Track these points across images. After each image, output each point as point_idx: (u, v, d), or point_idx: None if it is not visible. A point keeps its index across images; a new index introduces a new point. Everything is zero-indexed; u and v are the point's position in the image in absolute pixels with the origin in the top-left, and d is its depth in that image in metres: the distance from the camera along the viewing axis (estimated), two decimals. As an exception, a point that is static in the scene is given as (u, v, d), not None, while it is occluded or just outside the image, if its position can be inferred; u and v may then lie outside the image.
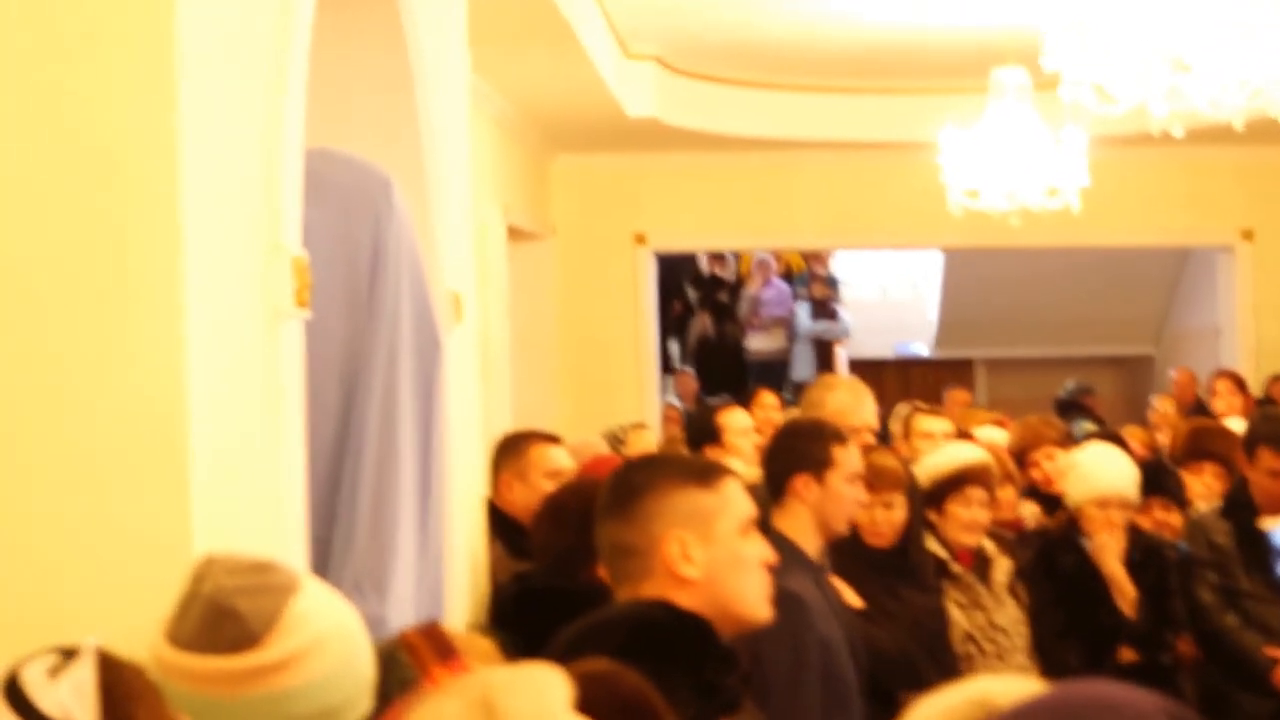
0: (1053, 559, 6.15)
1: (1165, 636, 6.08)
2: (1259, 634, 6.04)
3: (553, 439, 5.94)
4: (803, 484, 4.60)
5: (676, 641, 2.60)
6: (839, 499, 4.64)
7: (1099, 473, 6.18)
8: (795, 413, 10.61)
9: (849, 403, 5.86)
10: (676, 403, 14.19)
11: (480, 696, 1.82)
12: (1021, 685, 1.61)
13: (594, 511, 4.77)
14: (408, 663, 2.52)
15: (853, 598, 5.23)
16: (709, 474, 3.01)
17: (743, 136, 12.16)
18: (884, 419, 11.13)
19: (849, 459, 4.68)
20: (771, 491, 4.72)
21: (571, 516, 4.86)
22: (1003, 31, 9.28)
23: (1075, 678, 4.96)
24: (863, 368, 17.83)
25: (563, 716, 1.85)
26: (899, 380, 18.45)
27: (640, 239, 13.09)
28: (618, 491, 3.02)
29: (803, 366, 17.20)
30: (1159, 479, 6.55)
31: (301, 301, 3.32)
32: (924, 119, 11.25)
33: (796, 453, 4.67)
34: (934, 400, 13.84)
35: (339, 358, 3.86)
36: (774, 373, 17.10)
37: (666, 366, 16.05)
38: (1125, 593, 6.00)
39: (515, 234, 10.90)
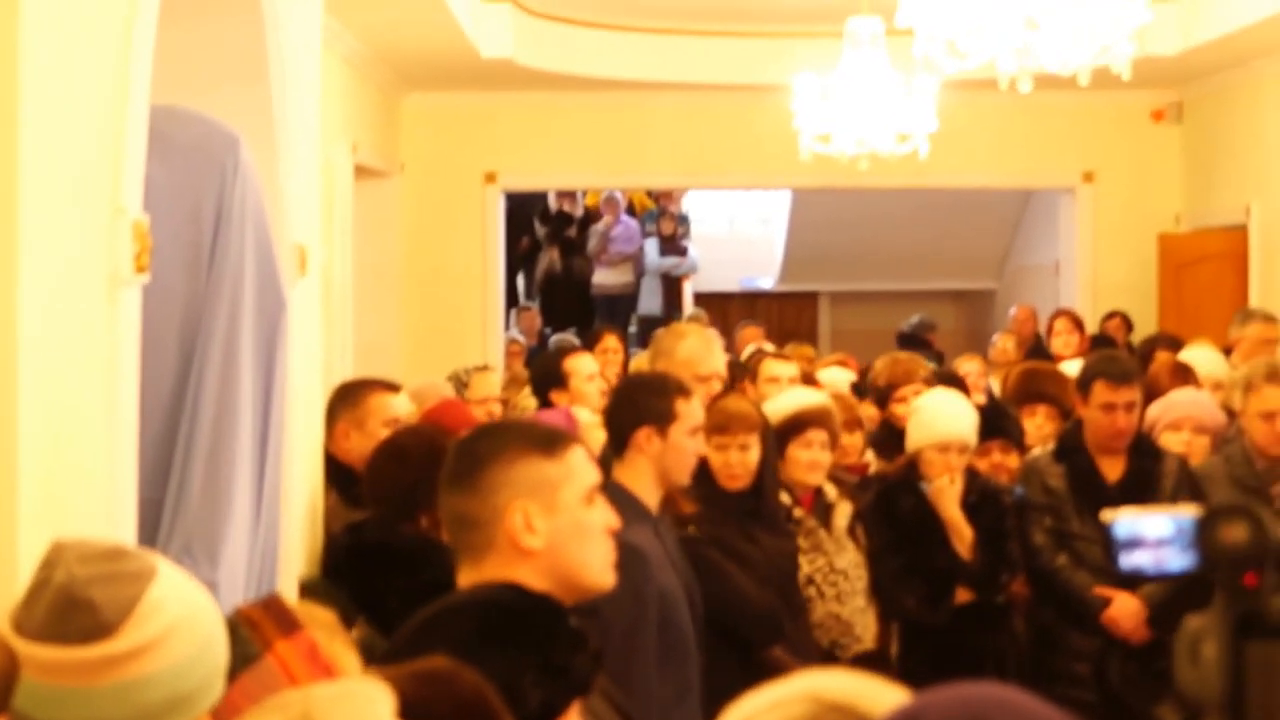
0: (892, 502, 6.25)
1: (1000, 578, 6.20)
2: (1089, 574, 6.17)
3: (391, 387, 5.88)
4: (645, 437, 4.62)
5: (525, 625, 2.57)
6: (681, 452, 4.66)
7: (939, 418, 6.27)
8: (640, 353, 10.71)
9: (699, 350, 5.85)
10: (520, 338, 14.19)
11: (301, 712, 1.81)
12: (849, 680, 1.63)
13: (434, 453, 4.82)
14: (249, 638, 2.49)
15: None
16: (553, 443, 2.98)
17: (597, 77, 12.13)
18: (732, 351, 11.26)
19: (692, 412, 4.70)
20: (614, 444, 4.75)
21: (411, 459, 4.88)
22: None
23: (913, 618, 5.08)
24: (709, 301, 17.96)
25: None
26: (745, 313, 18.58)
27: (490, 177, 13.03)
28: (461, 462, 2.97)
29: (649, 301, 17.24)
30: (997, 422, 6.65)
31: (141, 267, 3.28)
32: (776, 62, 11.32)
33: (640, 406, 4.68)
34: (780, 333, 14.05)
35: (179, 317, 3.82)
36: (620, 307, 17.15)
37: (513, 301, 16.03)
38: (962, 535, 6.11)
39: (363, 171, 10.80)
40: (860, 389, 8.08)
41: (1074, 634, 6.21)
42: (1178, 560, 1.98)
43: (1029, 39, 5.95)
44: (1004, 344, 11.79)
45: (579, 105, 13.02)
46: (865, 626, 6.08)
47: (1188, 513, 1.92)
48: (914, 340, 16.04)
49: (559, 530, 2.91)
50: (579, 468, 2.98)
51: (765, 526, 5.58)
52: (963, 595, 6.14)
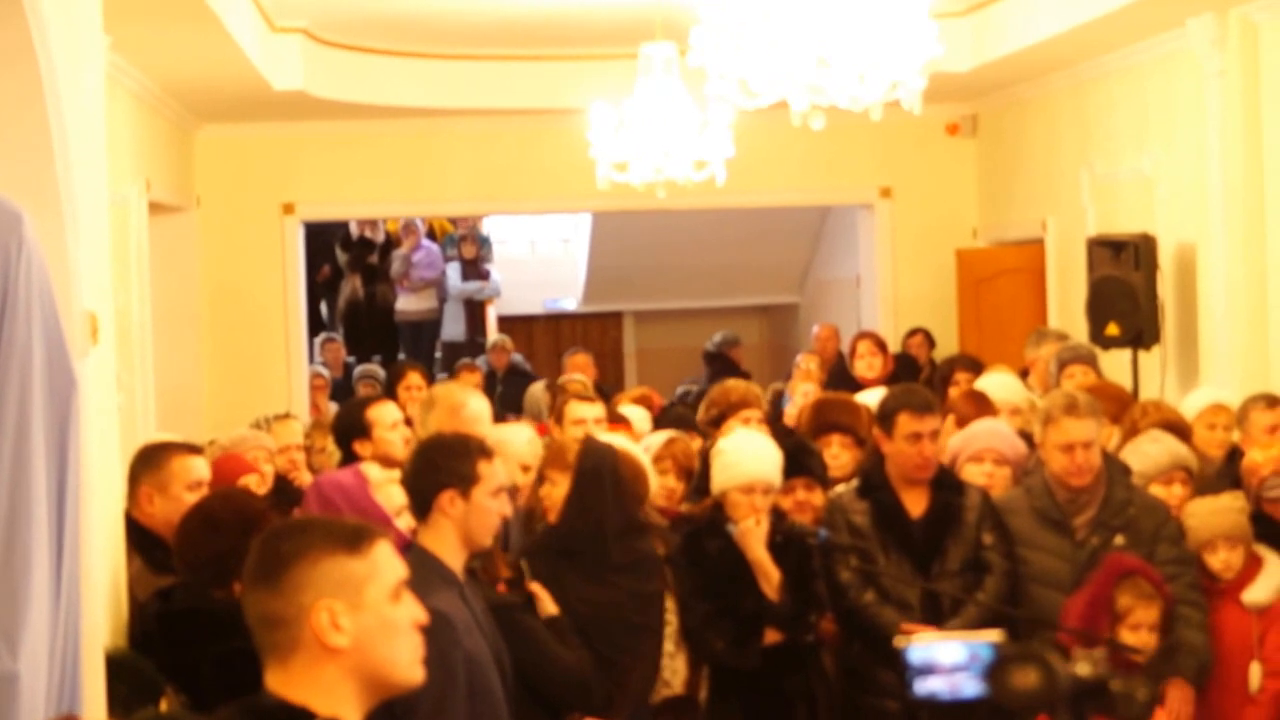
0: (699, 545, 6.23)
1: (808, 617, 6.22)
2: (896, 610, 6.21)
3: (194, 449, 5.81)
4: (448, 500, 4.60)
5: None
6: (484, 513, 4.65)
7: (742, 460, 6.26)
8: (445, 381, 10.63)
9: (445, 421, 6.07)
10: (324, 371, 14.00)
11: None
12: None
13: (245, 518, 4.72)
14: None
15: (549, 605, 5.32)
16: (358, 540, 2.93)
17: (392, 105, 12.04)
18: (539, 371, 11.22)
19: (494, 473, 4.69)
20: (415, 508, 4.73)
21: (222, 525, 4.81)
22: (651, 4, 9.31)
23: (723, 661, 5.09)
24: (513, 324, 17.92)
25: None
26: (549, 335, 18.63)
27: (289, 208, 12.89)
28: (264, 561, 2.92)
29: (453, 327, 17.15)
30: (801, 459, 6.68)
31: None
32: (571, 86, 11.33)
33: (441, 469, 4.65)
34: (583, 348, 14.00)
35: (-34, 402, 3.71)
36: (424, 333, 17.05)
37: (316, 329, 15.83)
38: (769, 576, 6.12)
39: (158, 208, 10.60)
40: (669, 420, 8.10)
41: (882, 670, 6.19)
42: (973, 686, 1.98)
43: (819, 77, 5.98)
44: (807, 364, 11.86)
45: (375, 133, 12.93)
46: (674, 671, 6.09)
47: (983, 639, 1.92)
48: (719, 358, 16.16)
49: (365, 628, 2.87)
50: (384, 564, 2.94)
51: (623, 570, 5.59)
52: (771, 636, 6.14)
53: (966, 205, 13.69)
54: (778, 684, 6.12)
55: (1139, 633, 5.73)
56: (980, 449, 6.89)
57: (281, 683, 2.84)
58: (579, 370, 11.81)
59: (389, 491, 5.20)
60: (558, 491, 5.67)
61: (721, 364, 16.23)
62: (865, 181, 13.78)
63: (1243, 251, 9.20)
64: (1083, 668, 2.04)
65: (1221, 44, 9.23)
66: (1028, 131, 12.67)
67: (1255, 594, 6.12)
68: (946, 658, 2.00)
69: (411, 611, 2.98)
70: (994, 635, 1.95)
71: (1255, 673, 6.03)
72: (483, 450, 4.74)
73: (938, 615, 6.20)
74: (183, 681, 4.77)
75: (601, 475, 5.65)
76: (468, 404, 6.32)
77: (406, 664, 2.95)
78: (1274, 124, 9.02)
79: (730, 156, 9.55)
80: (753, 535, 6.15)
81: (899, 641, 2.00)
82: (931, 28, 5.99)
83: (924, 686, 2.00)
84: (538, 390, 8.67)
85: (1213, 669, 6.06)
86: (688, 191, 10.16)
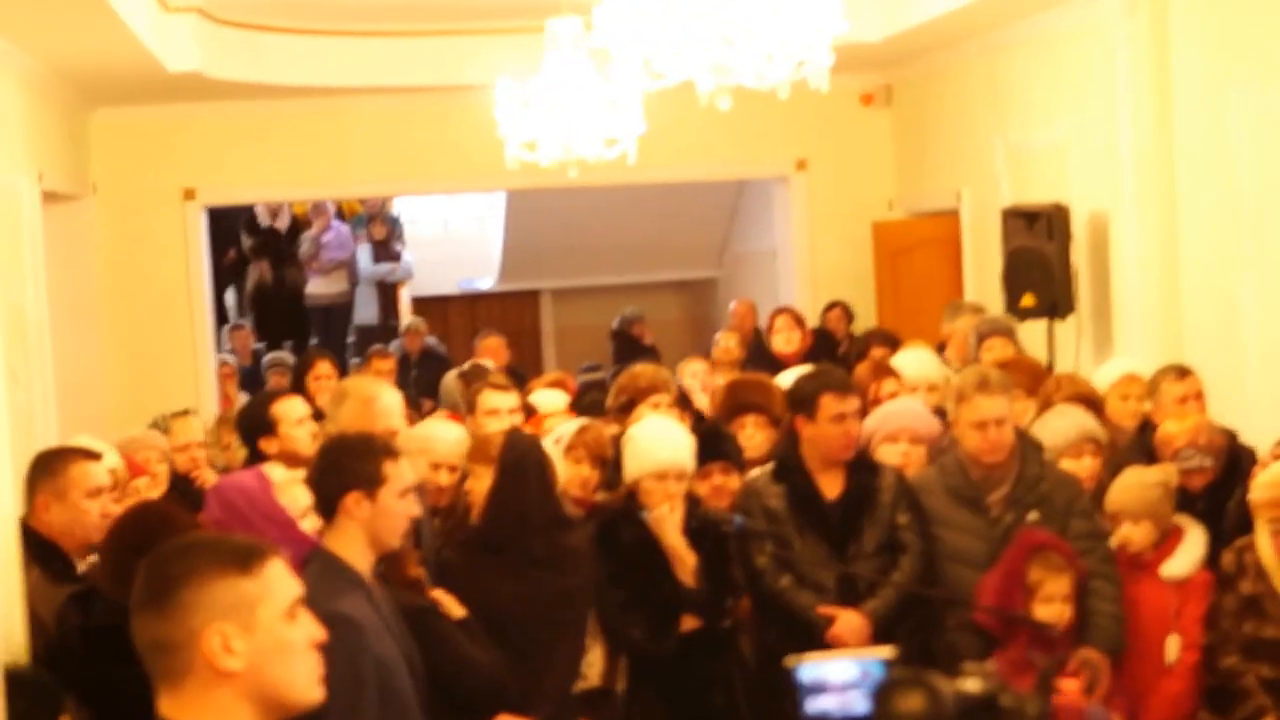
0: (613, 534, 6.18)
1: (724, 602, 6.18)
2: (813, 594, 6.19)
3: (92, 455, 5.70)
4: (354, 502, 4.55)
5: None
6: (391, 515, 4.60)
7: (654, 447, 6.21)
8: (358, 367, 10.49)
9: (358, 414, 6.03)
10: (231, 359, 13.79)
11: None
12: None
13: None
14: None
15: (456, 609, 5.25)
16: (249, 559, 2.85)
17: (292, 85, 11.82)
18: (454, 353, 11.05)
19: (400, 474, 4.64)
20: (321, 509, 4.67)
21: (150, 537, 4.66)
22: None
23: (640, 650, 5.06)
24: (427, 305, 17.75)
25: None
26: (465, 315, 18.46)
27: (189, 194, 12.64)
28: (151, 584, 2.83)
29: (366, 310, 16.96)
30: (716, 444, 6.62)
31: None
32: (476, 61, 11.17)
33: (346, 470, 4.60)
34: (500, 328, 13.83)
35: None
36: (336, 317, 16.84)
37: (222, 318, 15.60)
38: (685, 563, 6.07)
39: (52, 197, 10.36)
40: (585, 406, 8.01)
41: (799, 653, 6.17)
42: (864, 704, 1.93)
43: (725, 57, 5.90)
44: (726, 342, 11.73)
45: (276, 114, 12.71)
46: (590, 664, 6.07)
47: (873, 656, 1.88)
48: (623, 336, 16.14)
49: (259, 650, 2.81)
50: (277, 583, 2.87)
51: (544, 565, 5.55)
52: (688, 622, 6.10)
53: (883, 177, 13.64)
54: (696, 670, 6.09)
55: (1052, 605, 5.80)
56: (896, 428, 6.90)
57: (174, 708, 2.79)
58: (491, 354, 11.65)
59: (293, 493, 5.16)
60: (480, 485, 5.64)
61: (624, 342, 16.24)
62: (780, 154, 13.69)
63: (1154, 220, 9.21)
64: (972, 684, 1.99)
65: (1131, 12, 9.23)
66: (942, 101, 12.62)
67: (1173, 567, 6.14)
68: (837, 676, 1.95)
69: (308, 630, 2.91)
70: (885, 652, 1.88)
71: (1172, 645, 6.04)
72: (388, 450, 4.70)
73: (854, 597, 6.20)
74: (95, 696, 4.68)
75: (526, 468, 5.63)
76: (380, 397, 6.24)
77: (304, 684, 2.89)
78: (1183, 92, 9.01)
79: (642, 133, 9.43)
80: (667, 522, 6.10)
81: (789, 661, 1.94)
82: (837, 2, 5.91)
83: (815, 705, 1.95)
84: (451, 380, 8.54)
85: (1130, 641, 6.06)
86: (599, 169, 10.04)
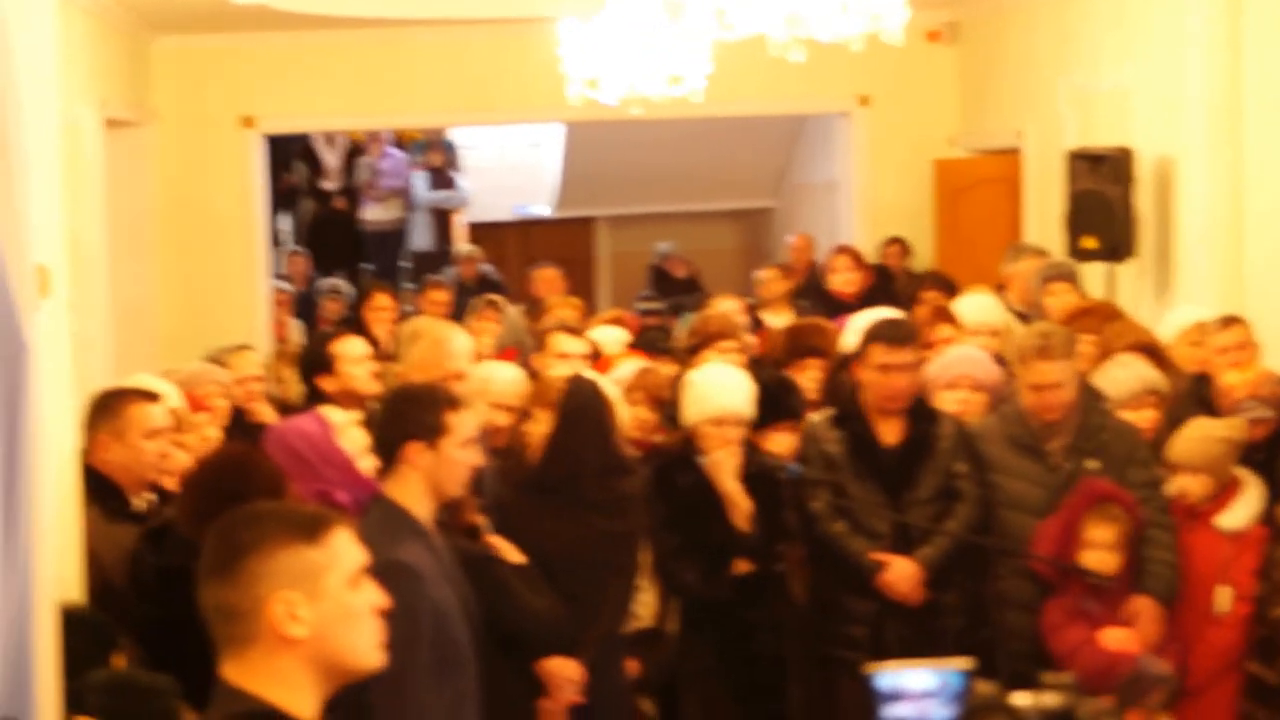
0: (669, 478, 6.21)
1: (777, 547, 6.22)
2: (865, 539, 6.21)
3: (151, 396, 5.70)
4: (415, 451, 4.59)
5: None
6: (453, 465, 4.65)
7: (714, 393, 6.23)
8: (413, 294, 10.41)
9: (431, 354, 6.02)
10: (287, 286, 13.78)
11: None
12: None
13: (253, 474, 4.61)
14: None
15: (514, 555, 5.27)
16: (315, 528, 2.89)
17: (354, 16, 11.76)
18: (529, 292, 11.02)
19: (462, 424, 4.66)
20: (382, 457, 4.72)
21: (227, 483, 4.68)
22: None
23: (695, 594, 5.13)
24: (482, 231, 17.71)
25: None
26: (519, 241, 18.39)
27: (248, 121, 12.63)
28: (219, 552, 2.88)
29: (421, 236, 16.88)
30: (783, 399, 6.63)
31: None
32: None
33: (408, 420, 4.64)
34: (554, 255, 13.75)
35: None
36: (391, 244, 16.81)
37: (275, 242, 15.58)
38: (739, 507, 6.09)
39: (113, 123, 10.38)
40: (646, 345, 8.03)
41: (851, 598, 6.23)
42: (941, 713, 1.93)
43: (798, 8, 5.88)
44: (771, 280, 11.36)
45: (337, 44, 12.66)
46: (644, 604, 6.12)
47: (951, 667, 1.87)
48: (658, 271, 16.19)
49: (324, 617, 2.85)
50: (343, 551, 2.91)
51: (597, 509, 5.58)
52: (741, 566, 6.14)
53: (946, 114, 13.50)
54: (747, 613, 6.13)
55: (1105, 554, 5.83)
56: (955, 376, 6.86)
57: (238, 673, 2.83)
58: (547, 285, 11.59)
59: (351, 434, 5.17)
60: (539, 429, 5.66)
61: (659, 276, 16.27)
62: (843, 90, 13.53)
63: (1222, 167, 9.09)
64: (1050, 698, 1.99)
65: (1203, -45, 9.08)
66: (1008, 40, 12.48)
67: (1229, 519, 6.11)
68: (915, 684, 1.93)
69: (371, 597, 2.95)
70: (963, 663, 1.87)
71: (1223, 595, 6.02)
72: (451, 401, 4.73)
73: (908, 544, 6.22)
74: (155, 635, 4.74)
75: (585, 416, 5.65)
76: (452, 339, 6.23)
77: (366, 650, 2.93)
78: (1255, 37, 8.88)
79: (707, 73, 9.33)
80: (724, 467, 6.12)
81: (869, 668, 1.93)
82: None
83: (892, 713, 1.93)
84: (516, 315, 8.52)
85: (1181, 590, 6.05)
86: (662, 105, 9.96)
